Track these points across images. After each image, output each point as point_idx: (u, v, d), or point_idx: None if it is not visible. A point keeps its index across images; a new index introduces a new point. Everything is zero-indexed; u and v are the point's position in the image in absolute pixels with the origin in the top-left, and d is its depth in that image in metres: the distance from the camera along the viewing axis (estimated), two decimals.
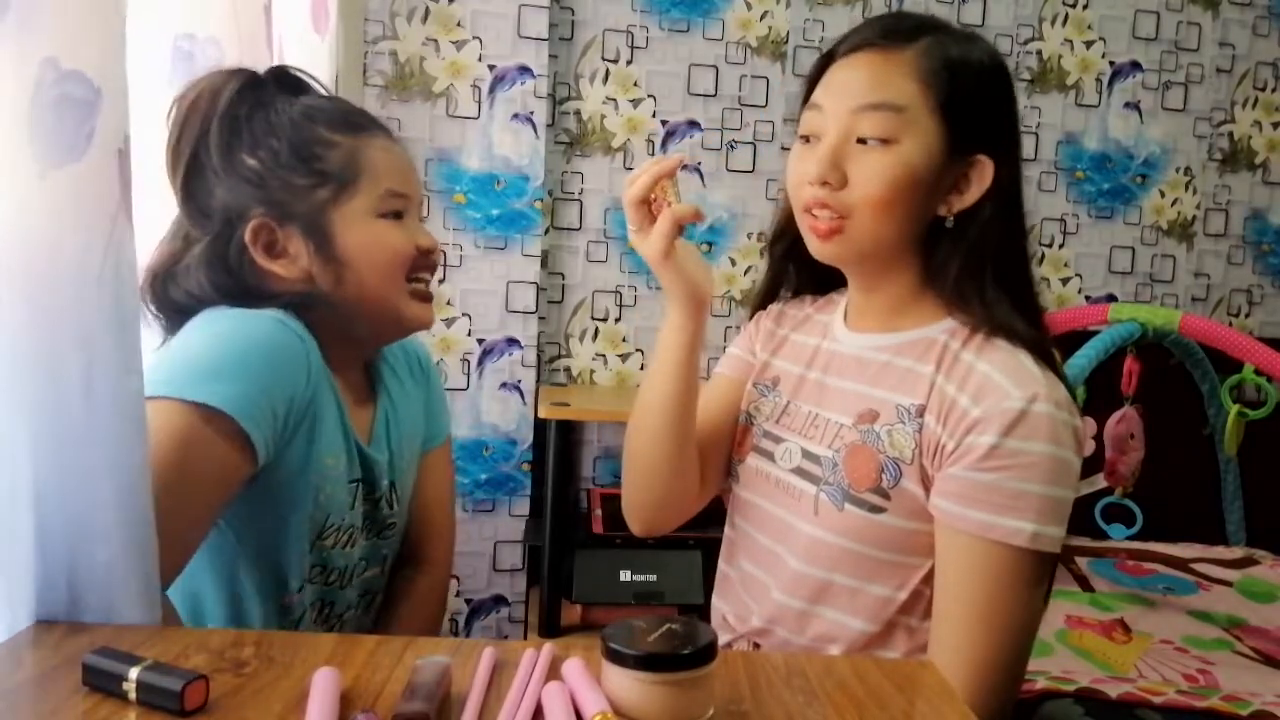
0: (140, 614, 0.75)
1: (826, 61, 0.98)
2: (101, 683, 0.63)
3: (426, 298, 1.05)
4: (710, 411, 1.12)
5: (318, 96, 1.06)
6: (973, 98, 0.92)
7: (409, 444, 1.14)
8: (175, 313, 0.98)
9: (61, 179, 0.68)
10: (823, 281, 1.10)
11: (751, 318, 1.17)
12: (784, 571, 0.99)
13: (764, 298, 1.16)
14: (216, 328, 0.93)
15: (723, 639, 1.09)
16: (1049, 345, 0.94)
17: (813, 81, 0.99)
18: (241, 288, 0.96)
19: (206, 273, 0.96)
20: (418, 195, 1.05)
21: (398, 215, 1.01)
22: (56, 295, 0.69)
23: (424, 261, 1.03)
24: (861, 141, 0.91)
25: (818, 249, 0.96)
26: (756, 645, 1.03)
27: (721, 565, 1.13)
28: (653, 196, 0.94)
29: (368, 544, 1.08)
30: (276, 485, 0.94)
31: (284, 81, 1.04)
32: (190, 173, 0.98)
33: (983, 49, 0.95)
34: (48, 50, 0.66)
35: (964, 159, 0.93)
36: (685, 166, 2.51)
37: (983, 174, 0.92)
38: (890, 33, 0.93)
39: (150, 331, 0.98)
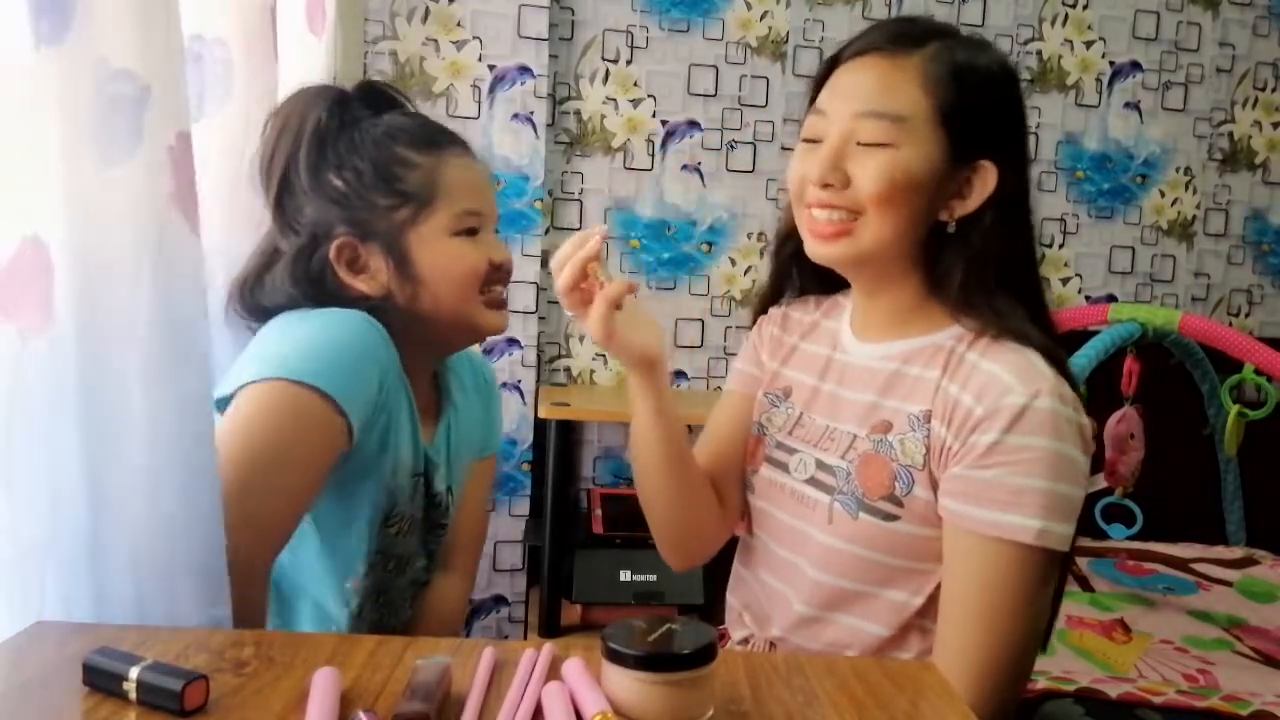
0: (203, 614, 0.76)
1: (831, 65, 0.97)
2: (102, 682, 0.63)
3: (500, 304, 1.09)
4: (724, 431, 1.12)
5: (401, 114, 1.09)
6: (977, 105, 0.92)
7: (467, 454, 1.19)
8: (265, 317, 1.02)
9: (114, 177, 0.69)
10: (826, 283, 1.09)
11: (754, 322, 1.17)
12: (803, 582, 1.00)
13: (768, 299, 1.15)
14: (312, 322, 0.97)
15: (738, 634, 1.10)
16: (1061, 351, 0.93)
17: (818, 86, 0.98)
18: (324, 294, 1.01)
19: (291, 283, 1.01)
20: (492, 210, 1.09)
21: (472, 232, 1.05)
22: (106, 294, 0.70)
23: (497, 275, 1.07)
24: (862, 145, 0.91)
25: (815, 249, 0.96)
26: (773, 646, 1.03)
27: (737, 565, 1.13)
28: (585, 277, 0.93)
29: (422, 538, 1.12)
30: (355, 470, 0.98)
31: (371, 98, 1.08)
32: (282, 190, 1.03)
33: (992, 56, 0.95)
34: (100, 50, 0.67)
35: (967, 165, 0.92)
36: (685, 167, 2.51)
37: (986, 180, 0.92)
38: (898, 38, 0.93)
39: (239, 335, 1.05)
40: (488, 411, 1.25)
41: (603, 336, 0.93)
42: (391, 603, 1.11)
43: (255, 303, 1.03)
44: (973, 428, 0.88)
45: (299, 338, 0.95)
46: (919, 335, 0.97)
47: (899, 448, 0.94)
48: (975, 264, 0.93)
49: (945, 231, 0.94)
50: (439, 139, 1.06)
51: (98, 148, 0.68)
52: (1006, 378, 0.88)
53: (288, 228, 1.03)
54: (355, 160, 1.02)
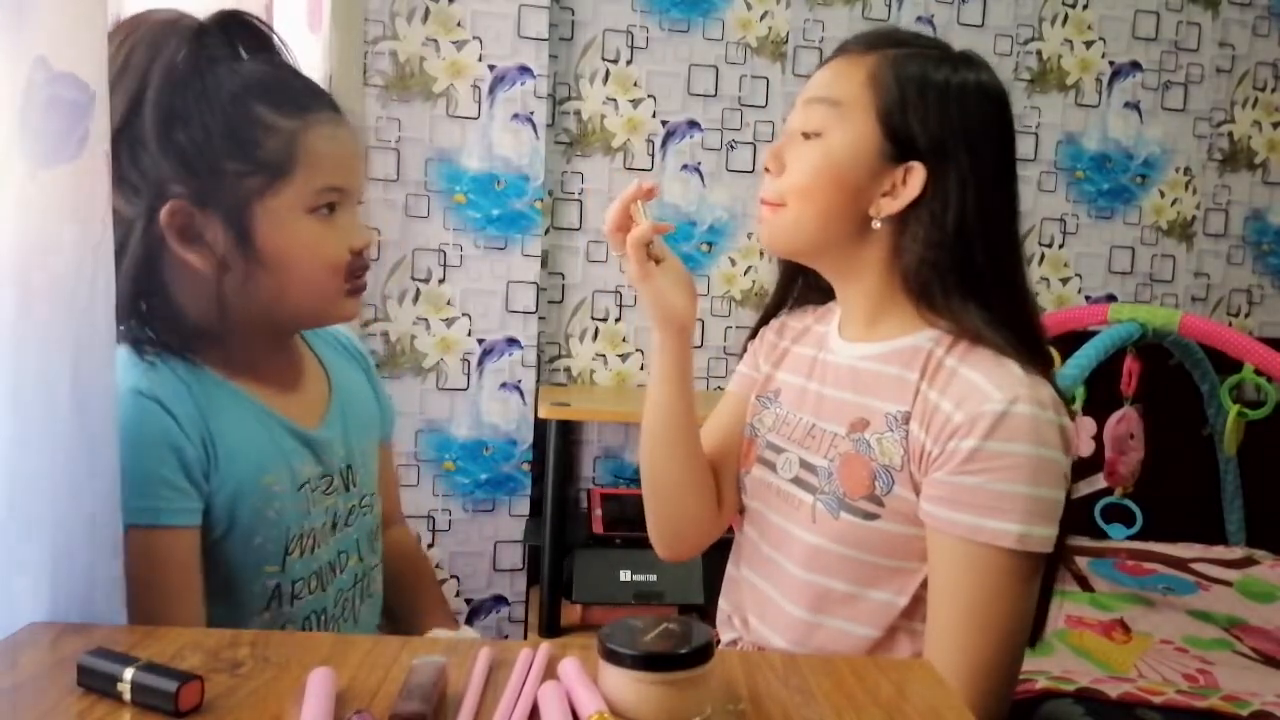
0: (115, 613, 0.76)
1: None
2: (96, 683, 0.63)
3: (361, 291, 0.97)
4: (721, 430, 1.13)
5: (266, 62, 0.93)
6: (923, 111, 0.93)
7: (365, 426, 1.08)
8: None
9: (50, 180, 0.67)
10: (827, 293, 1.10)
11: (756, 333, 1.18)
12: (786, 580, 1.00)
13: (771, 309, 1.16)
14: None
15: (728, 637, 1.10)
16: (1039, 348, 0.94)
17: None
18: (153, 275, 0.88)
19: (128, 264, 0.85)
20: (357, 186, 0.96)
21: (330, 208, 0.92)
22: (49, 295, 0.69)
23: (358, 264, 0.95)
24: (804, 136, 0.97)
25: (760, 235, 1.02)
26: (760, 650, 1.03)
27: (729, 566, 1.14)
28: (630, 219, 0.98)
29: (338, 537, 1.01)
30: (222, 531, 0.90)
31: (234, 32, 0.91)
32: (119, 138, 0.82)
33: (966, 74, 0.95)
34: (39, 50, 0.66)
35: (901, 166, 0.94)
36: (686, 167, 2.51)
37: (913, 182, 0.93)
38: (864, 41, 0.98)
39: None
40: (370, 380, 1.13)
41: (636, 276, 0.97)
42: (337, 616, 1.01)
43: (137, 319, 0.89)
44: (951, 434, 0.89)
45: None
46: (896, 336, 0.98)
47: (877, 447, 0.94)
48: (912, 261, 0.94)
49: (894, 228, 0.95)
50: (305, 100, 0.92)
51: (31, 147, 0.66)
52: (983, 383, 0.89)
53: (126, 186, 0.85)
54: (204, 114, 0.86)
